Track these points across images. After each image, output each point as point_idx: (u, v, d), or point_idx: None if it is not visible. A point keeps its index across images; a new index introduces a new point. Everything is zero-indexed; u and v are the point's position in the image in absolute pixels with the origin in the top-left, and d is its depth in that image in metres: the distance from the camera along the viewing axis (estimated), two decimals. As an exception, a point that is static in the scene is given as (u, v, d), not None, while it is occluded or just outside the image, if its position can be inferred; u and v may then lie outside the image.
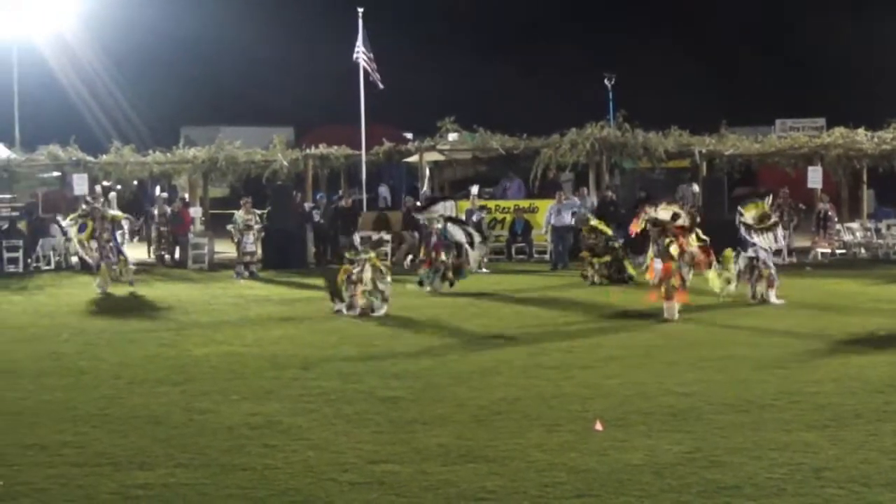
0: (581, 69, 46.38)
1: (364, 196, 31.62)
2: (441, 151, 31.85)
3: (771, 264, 18.63)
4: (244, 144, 32.16)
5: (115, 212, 22.28)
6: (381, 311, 17.53)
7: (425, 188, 30.77)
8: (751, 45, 58.25)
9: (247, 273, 24.58)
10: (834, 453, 8.88)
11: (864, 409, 10.39)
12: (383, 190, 37.25)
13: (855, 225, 28.25)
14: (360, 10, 28.76)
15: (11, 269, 26.50)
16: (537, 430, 9.81)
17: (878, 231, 27.66)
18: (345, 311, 17.60)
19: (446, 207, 21.31)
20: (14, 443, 9.67)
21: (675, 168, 32.67)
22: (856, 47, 49.44)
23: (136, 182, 34.41)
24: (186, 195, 32.76)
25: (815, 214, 27.20)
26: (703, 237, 17.41)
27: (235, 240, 25.30)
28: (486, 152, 31.14)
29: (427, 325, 16.59)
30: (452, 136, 31.08)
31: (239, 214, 25.28)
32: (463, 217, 23.65)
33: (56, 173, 32.11)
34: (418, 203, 23.20)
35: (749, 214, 18.67)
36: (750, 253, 18.42)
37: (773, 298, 18.23)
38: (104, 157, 30.94)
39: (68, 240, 22.65)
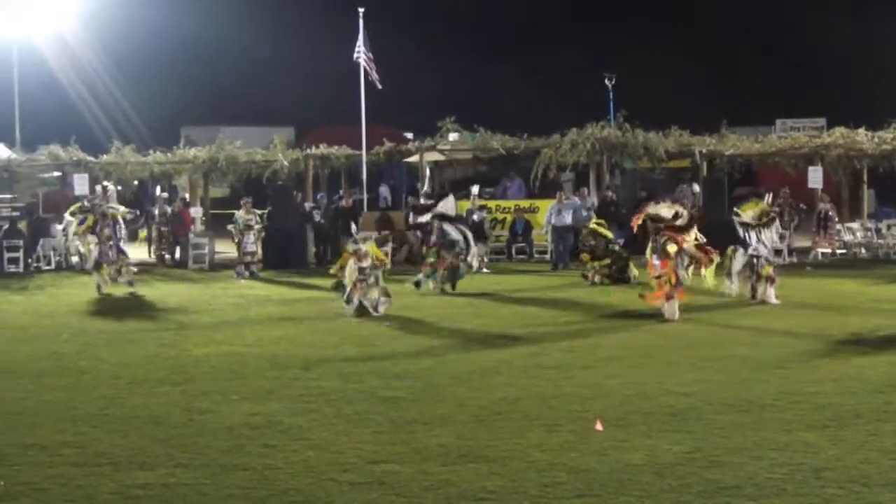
0: (581, 69, 46.38)
1: (365, 196, 31.61)
2: (441, 151, 31.85)
3: (772, 262, 18.68)
4: (245, 144, 32.18)
5: (114, 207, 22.17)
6: (384, 307, 17.54)
7: (426, 187, 30.78)
8: (751, 45, 58.22)
9: (247, 273, 24.59)
10: (834, 453, 8.88)
11: (864, 409, 10.40)
12: (384, 190, 37.25)
13: (855, 225, 28.25)
14: (361, 10, 28.77)
15: (12, 269, 26.50)
16: (537, 430, 9.82)
17: (878, 231, 27.66)
18: (346, 309, 17.54)
19: (445, 205, 21.23)
20: (14, 443, 9.67)
21: (675, 168, 32.66)
22: (856, 47, 49.42)
23: (136, 182, 34.40)
24: (187, 195, 32.75)
25: (816, 214, 27.20)
26: (700, 237, 17.43)
27: (236, 240, 25.34)
28: (487, 152, 31.15)
29: (427, 325, 16.60)
30: (453, 136, 31.08)
31: (239, 214, 25.29)
32: (464, 217, 23.62)
33: (56, 173, 32.13)
34: (421, 201, 23.13)
35: (747, 214, 18.71)
36: (750, 251, 18.45)
37: (771, 298, 18.24)
38: (105, 157, 30.99)
39: (67, 235, 22.57)
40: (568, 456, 8.92)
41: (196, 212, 30.32)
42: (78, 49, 45.92)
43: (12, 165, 31.21)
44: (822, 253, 26.65)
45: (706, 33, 57.05)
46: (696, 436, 9.48)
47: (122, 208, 22.70)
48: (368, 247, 17.91)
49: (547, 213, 26.50)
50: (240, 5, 54.66)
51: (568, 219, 25.96)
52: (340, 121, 39.11)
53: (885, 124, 29.15)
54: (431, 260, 20.76)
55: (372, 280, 17.59)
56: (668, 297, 16.62)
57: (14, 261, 26.75)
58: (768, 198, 19.30)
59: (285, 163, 30.94)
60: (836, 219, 27.37)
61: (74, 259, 26.16)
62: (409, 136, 37.11)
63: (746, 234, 18.59)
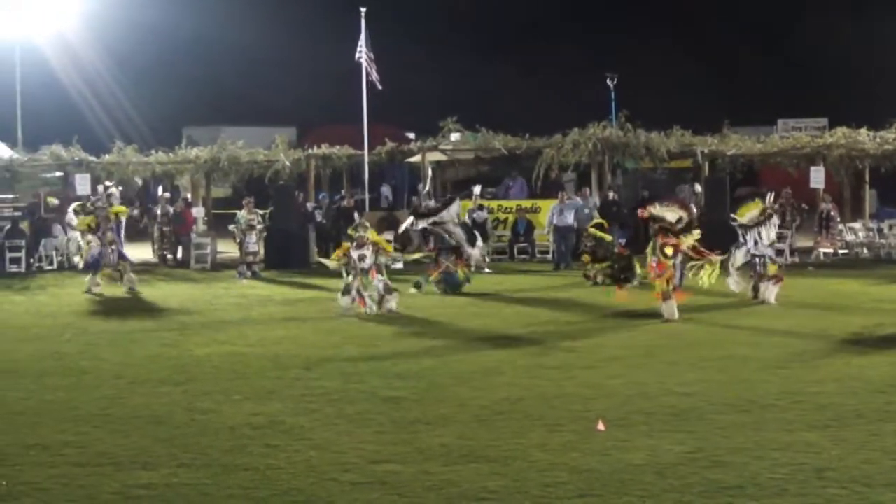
0: (583, 69, 46.41)
1: (367, 196, 31.60)
2: (443, 151, 31.85)
3: (776, 262, 18.73)
4: (246, 144, 32.17)
5: (118, 206, 22.15)
6: (393, 304, 17.54)
7: (427, 187, 30.74)
8: (751, 45, 58.23)
9: (249, 273, 24.60)
10: (836, 453, 8.88)
11: (865, 410, 10.39)
12: (385, 190, 37.24)
13: (857, 225, 28.22)
14: (363, 9, 28.77)
15: (14, 269, 26.50)
16: (539, 429, 9.82)
17: (880, 231, 27.63)
18: (342, 300, 17.53)
19: (450, 213, 21.14)
20: (16, 443, 9.68)
21: (677, 168, 32.64)
22: (857, 47, 49.41)
23: (139, 181, 34.42)
24: (189, 195, 32.78)
25: (818, 214, 27.21)
26: (698, 238, 17.47)
27: (238, 240, 25.34)
28: (489, 152, 31.16)
29: (429, 325, 16.60)
30: (455, 136, 31.06)
31: (241, 214, 25.31)
32: (465, 216, 23.62)
33: (58, 173, 32.14)
34: (430, 203, 23.10)
35: (745, 216, 18.80)
36: (752, 251, 18.49)
37: (771, 298, 18.25)
38: (107, 157, 30.99)
39: (71, 228, 22.56)
40: (570, 456, 8.92)
41: (198, 212, 30.34)
42: (80, 49, 45.92)
43: (14, 165, 31.20)
44: (824, 253, 26.64)
45: (706, 33, 57.06)
46: (698, 436, 9.48)
47: (123, 208, 22.69)
48: (370, 234, 17.90)
49: (549, 214, 26.52)
50: (241, 5, 54.73)
51: (570, 219, 25.97)
52: (342, 121, 39.11)
53: (886, 124, 29.12)
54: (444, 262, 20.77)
55: (369, 265, 17.50)
56: (665, 298, 16.65)
57: (16, 261, 26.75)
58: (770, 198, 19.32)
59: (287, 163, 30.94)
60: (838, 219, 27.36)
61: (76, 259, 26.18)
62: (411, 136, 37.09)
63: (745, 237, 18.65)
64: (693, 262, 17.48)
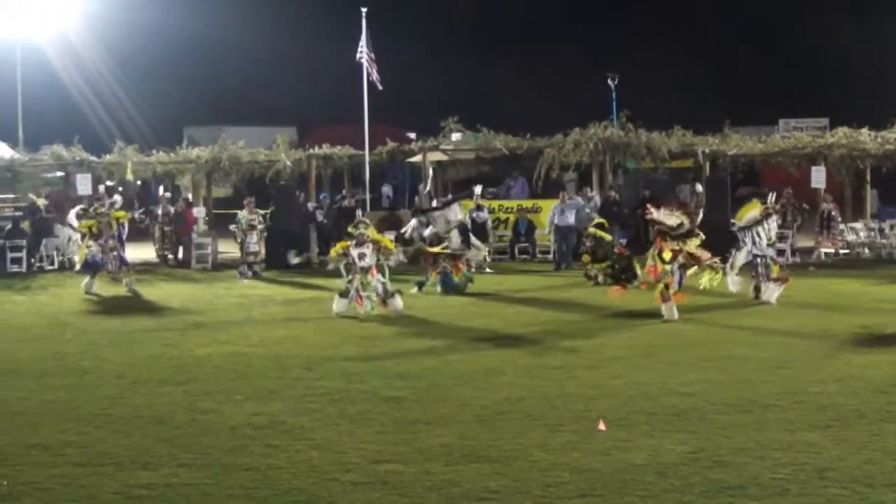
0: (584, 69, 46.45)
1: (367, 196, 31.60)
2: (444, 151, 31.85)
3: (777, 262, 18.74)
4: (247, 144, 32.18)
5: (119, 212, 22.17)
6: (399, 304, 17.52)
7: (429, 187, 30.76)
8: (751, 46, 58.27)
9: (250, 273, 24.61)
10: (837, 453, 8.88)
11: (867, 410, 10.39)
12: (387, 190, 37.25)
13: (858, 225, 28.22)
14: (364, 10, 28.77)
15: (15, 269, 26.51)
16: (540, 429, 9.81)
17: (881, 231, 27.65)
18: (338, 307, 17.52)
19: (449, 215, 21.12)
20: (17, 442, 9.68)
21: (678, 168, 32.65)
22: (858, 47, 49.44)
23: (139, 182, 34.39)
24: (190, 195, 32.78)
25: (819, 214, 27.21)
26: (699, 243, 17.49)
27: (239, 240, 25.34)
28: (490, 152, 31.15)
29: (430, 325, 16.60)
30: (456, 136, 31.07)
31: (242, 214, 25.32)
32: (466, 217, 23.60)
33: (60, 173, 32.16)
34: (434, 203, 23.14)
35: (746, 217, 18.82)
36: (754, 251, 18.50)
37: (772, 297, 18.24)
38: (108, 156, 30.99)
39: (73, 229, 22.58)
40: (571, 456, 8.92)
41: (199, 212, 30.35)
42: (81, 49, 45.96)
43: (15, 165, 31.22)
44: (825, 253, 26.64)
45: (707, 33, 57.11)
46: (699, 436, 9.48)
47: (124, 213, 22.72)
48: (370, 232, 17.88)
49: (550, 214, 26.53)
50: (243, 6, 54.77)
51: (571, 219, 25.96)
52: (343, 121, 39.13)
53: (888, 124, 29.14)
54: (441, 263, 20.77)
55: (368, 263, 17.50)
56: (665, 300, 16.66)
57: (17, 261, 26.76)
58: (771, 198, 19.32)
59: (288, 163, 30.95)
60: (839, 219, 27.37)
61: (75, 258, 26.15)
62: (412, 136, 37.12)
63: (745, 238, 18.66)
64: (693, 268, 17.44)
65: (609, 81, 36.21)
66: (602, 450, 9.07)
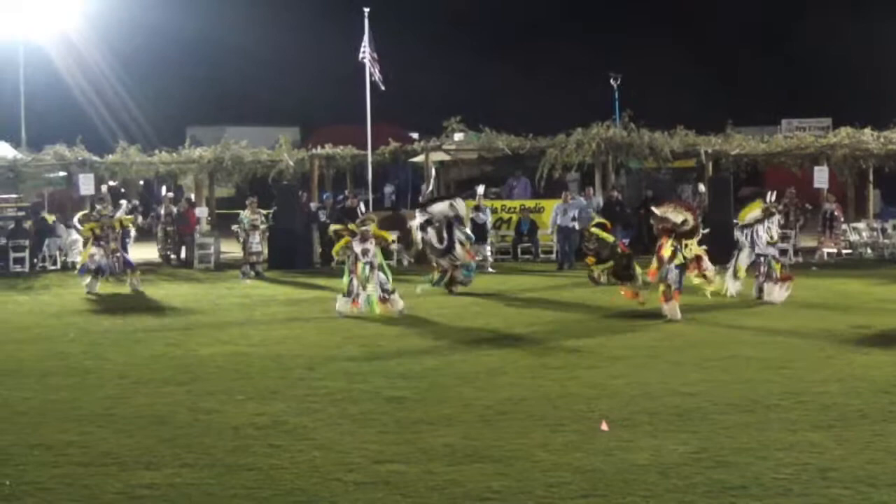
0: (586, 69, 46.44)
1: (370, 196, 31.62)
2: (447, 151, 31.85)
3: (780, 261, 18.73)
4: (250, 144, 32.22)
5: (124, 216, 22.22)
6: (400, 304, 17.52)
7: (430, 187, 30.78)
8: (752, 46, 58.24)
9: (253, 273, 24.63)
10: (840, 453, 8.87)
11: (869, 410, 10.38)
12: (389, 190, 37.24)
13: (861, 225, 28.20)
14: (367, 10, 28.78)
15: (17, 268, 26.55)
16: (543, 430, 9.81)
17: (884, 231, 27.62)
18: (341, 307, 17.51)
19: (454, 206, 21.11)
20: (19, 442, 9.69)
21: (681, 168, 32.63)
22: (860, 48, 49.35)
23: (141, 182, 34.46)
24: (192, 195, 32.80)
25: (822, 214, 27.20)
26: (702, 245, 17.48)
27: (241, 240, 25.36)
28: (492, 152, 31.12)
29: (432, 325, 16.60)
30: (458, 136, 31.08)
31: (245, 214, 25.33)
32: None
33: (62, 173, 32.16)
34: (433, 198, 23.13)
35: (748, 216, 18.81)
36: (757, 250, 18.49)
37: (774, 297, 18.21)
38: (110, 156, 31.00)
39: (77, 231, 22.63)
40: (573, 456, 8.92)
41: (201, 212, 30.36)
42: (84, 49, 45.98)
43: (18, 165, 31.22)
44: (828, 253, 26.63)
45: (707, 33, 57.06)
46: (702, 436, 9.48)
47: (128, 218, 22.76)
48: (372, 228, 17.88)
49: (552, 213, 26.53)
50: (246, 5, 54.75)
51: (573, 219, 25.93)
52: (346, 121, 39.13)
53: (890, 124, 29.14)
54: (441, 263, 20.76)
55: (372, 258, 17.49)
56: (667, 299, 16.66)
57: (20, 261, 26.79)
58: (771, 197, 19.30)
59: (291, 163, 30.97)
60: (842, 219, 27.36)
61: (77, 259, 26.21)
62: (415, 135, 37.14)
63: (746, 237, 18.65)
64: (693, 273, 17.42)
65: (612, 81, 36.22)
66: (604, 450, 9.07)
